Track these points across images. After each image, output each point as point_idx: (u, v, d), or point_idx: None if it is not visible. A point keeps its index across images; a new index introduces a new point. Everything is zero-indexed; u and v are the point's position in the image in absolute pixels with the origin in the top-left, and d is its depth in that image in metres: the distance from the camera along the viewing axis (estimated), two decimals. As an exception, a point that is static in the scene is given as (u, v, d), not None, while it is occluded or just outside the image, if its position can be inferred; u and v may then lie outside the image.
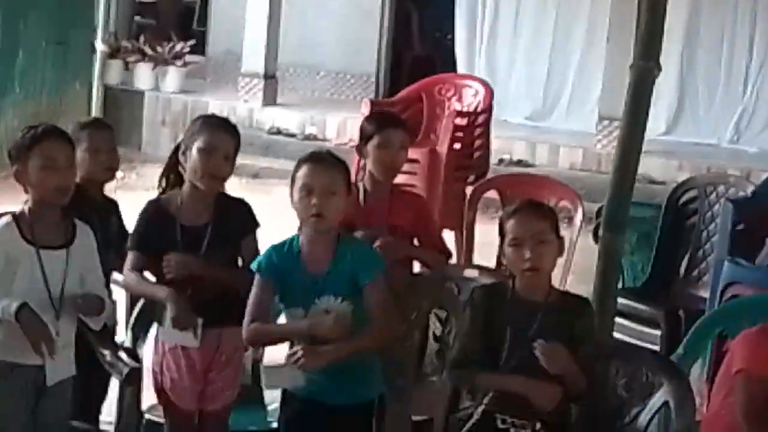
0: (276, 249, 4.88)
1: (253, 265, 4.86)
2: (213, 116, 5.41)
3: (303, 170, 4.80)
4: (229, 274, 5.20)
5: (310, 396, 4.81)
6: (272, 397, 5.68)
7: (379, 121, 6.07)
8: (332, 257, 4.80)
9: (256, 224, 5.33)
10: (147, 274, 5.27)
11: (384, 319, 4.79)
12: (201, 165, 5.15)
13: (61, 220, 4.84)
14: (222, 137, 5.22)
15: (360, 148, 5.92)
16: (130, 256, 5.26)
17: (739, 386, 4.69)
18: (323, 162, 4.85)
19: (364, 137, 5.90)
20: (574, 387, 4.68)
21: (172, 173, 5.33)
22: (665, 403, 4.89)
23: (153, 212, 5.27)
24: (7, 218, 4.79)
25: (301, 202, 4.76)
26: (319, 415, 4.82)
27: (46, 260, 4.75)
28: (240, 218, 5.31)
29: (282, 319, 4.94)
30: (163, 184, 5.37)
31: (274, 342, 4.97)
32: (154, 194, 5.39)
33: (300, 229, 4.86)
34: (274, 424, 5.32)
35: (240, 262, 5.27)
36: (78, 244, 4.84)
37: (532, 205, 4.88)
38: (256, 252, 5.14)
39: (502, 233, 4.76)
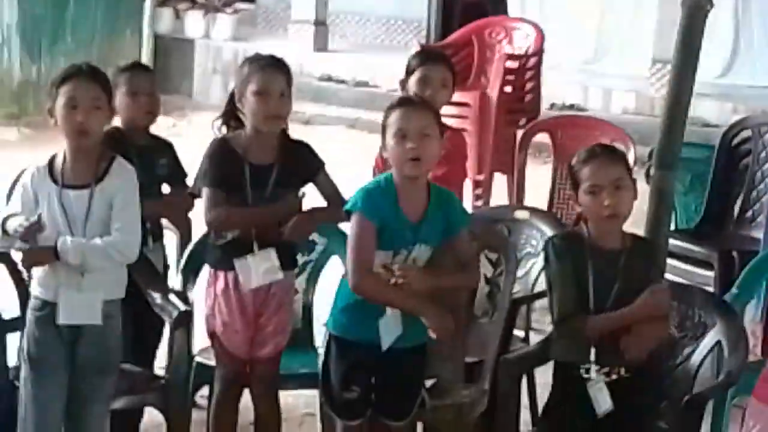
0: (373, 191, 4.81)
1: (351, 206, 4.79)
2: (259, 57, 5.34)
3: (395, 115, 4.77)
4: (326, 213, 5.27)
5: (359, 339, 4.81)
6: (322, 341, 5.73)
7: (422, 56, 6.05)
8: (427, 205, 4.78)
9: (321, 162, 5.30)
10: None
11: (476, 265, 4.87)
12: (259, 108, 5.13)
13: (96, 161, 4.82)
14: (274, 76, 5.18)
15: (403, 83, 5.90)
16: (209, 194, 5.18)
17: None
18: (415, 106, 4.83)
19: (408, 72, 5.89)
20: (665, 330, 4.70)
21: (231, 119, 5.30)
22: (717, 343, 4.89)
23: (221, 150, 5.22)
24: (44, 161, 4.83)
25: (396, 147, 4.73)
26: (368, 358, 4.82)
27: (67, 199, 4.76)
28: (304, 159, 5.29)
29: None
30: (224, 131, 5.33)
31: (385, 300, 4.78)
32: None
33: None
34: (324, 366, 5.38)
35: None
36: (107, 183, 4.80)
37: (607, 149, 4.83)
38: (335, 187, 5.20)
39: (575, 181, 4.70)
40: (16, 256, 4.88)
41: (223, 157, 5.20)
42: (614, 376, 4.61)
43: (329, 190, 5.26)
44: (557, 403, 4.79)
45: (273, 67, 5.22)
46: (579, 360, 4.63)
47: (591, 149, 4.77)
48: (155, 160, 5.70)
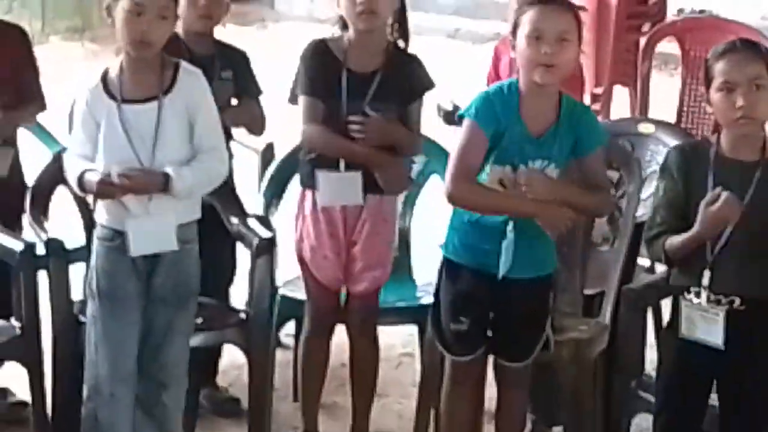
0: (495, 96, 4.76)
1: (467, 112, 4.72)
2: None
3: (531, 14, 4.68)
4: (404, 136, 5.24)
5: (473, 264, 4.78)
6: (422, 271, 5.72)
7: None
8: (555, 120, 4.72)
9: (430, 84, 5.27)
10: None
11: (609, 191, 4.86)
12: (348, 4, 5.12)
13: (160, 70, 4.78)
14: None
15: None
16: (306, 103, 5.22)
17: None
18: (554, 5, 4.71)
19: None
20: None
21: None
22: None
23: (317, 52, 5.25)
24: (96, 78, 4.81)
25: (529, 49, 4.64)
26: (483, 287, 4.79)
27: (129, 115, 4.73)
28: (413, 73, 5.26)
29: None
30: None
31: (486, 209, 4.76)
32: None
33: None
34: (423, 300, 5.40)
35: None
36: (176, 94, 4.75)
37: (747, 44, 4.64)
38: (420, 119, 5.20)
39: (708, 77, 4.56)
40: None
41: (318, 61, 5.21)
42: (726, 307, 4.51)
43: (415, 121, 5.25)
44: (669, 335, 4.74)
45: None
46: (691, 285, 4.57)
47: (731, 42, 4.62)
48: (218, 73, 5.63)
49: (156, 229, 4.73)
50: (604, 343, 5.14)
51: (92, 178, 4.64)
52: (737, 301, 4.51)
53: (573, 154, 4.73)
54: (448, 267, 4.87)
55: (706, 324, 4.53)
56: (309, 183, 5.26)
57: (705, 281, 4.51)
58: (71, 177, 4.75)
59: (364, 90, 5.17)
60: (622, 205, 5.59)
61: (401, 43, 5.31)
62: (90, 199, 5.04)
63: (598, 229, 5.77)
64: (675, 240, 4.53)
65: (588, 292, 5.42)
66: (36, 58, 5.86)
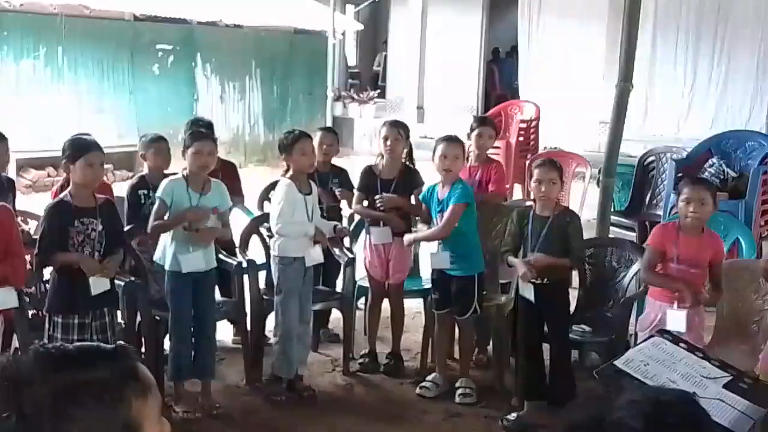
0: (428, 188, 4.81)
1: (420, 197, 4.89)
2: (391, 120, 5.27)
3: (441, 145, 4.69)
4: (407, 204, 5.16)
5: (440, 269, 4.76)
6: (424, 272, 5.68)
7: (478, 120, 5.86)
8: (448, 192, 4.70)
9: (423, 181, 5.15)
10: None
11: (444, 225, 4.67)
12: (385, 148, 5.08)
13: (306, 181, 4.76)
14: (392, 130, 5.08)
15: (468, 135, 5.64)
16: (355, 194, 5.23)
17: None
18: (452, 140, 4.72)
19: (471, 130, 5.68)
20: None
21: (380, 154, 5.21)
22: (637, 271, 4.74)
23: (366, 170, 5.22)
24: (287, 181, 4.68)
25: (439, 162, 4.67)
26: (444, 278, 4.74)
27: (306, 201, 4.72)
28: (415, 178, 5.19)
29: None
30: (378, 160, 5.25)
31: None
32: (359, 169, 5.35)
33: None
34: (426, 286, 5.30)
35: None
36: (314, 193, 4.77)
37: (551, 160, 4.60)
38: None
39: (531, 175, 4.51)
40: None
41: (365, 174, 5.18)
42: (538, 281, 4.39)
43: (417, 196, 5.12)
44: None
45: (394, 126, 5.13)
46: None
47: (543, 159, 4.57)
48: (331, 178, 5.53)
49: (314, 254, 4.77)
50: (510, 306, 4.99)
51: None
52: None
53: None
54: (433, 271, 4.87)
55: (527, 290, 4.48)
56: (367, 232, 5.24)
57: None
58: None
59: (389, 187, 5.12)
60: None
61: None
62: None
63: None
64: (510, 260, 4.52)
65: (503, 281, 5.31)
66: (239, 177, 5.75)
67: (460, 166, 4.74)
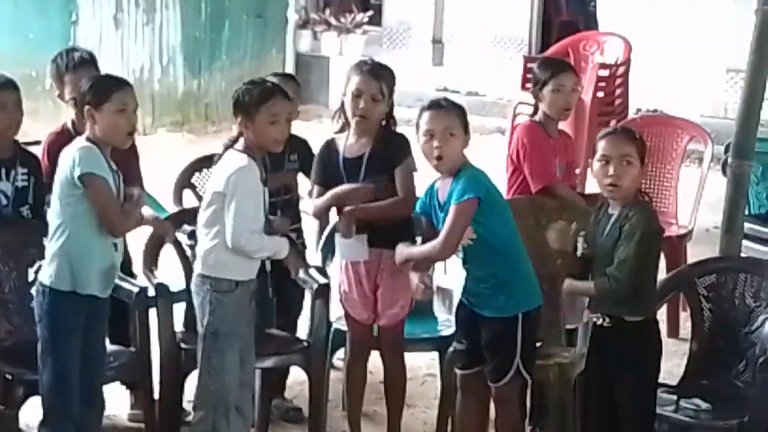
0: (426, 190, 4.88)
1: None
2: (365, 62, 5.32)
3: (424, 117, 4.75)
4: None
5: (466, 304, 4.84)
6: (441, 310, 5.70)
7: (551, 67, 5.82)
8: (449, 188, 4.72)
9: (407, 153, 5.17)
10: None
11: (443, 238, 4.71)
12: (351, 106, 5.13)
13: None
14: (369, 82, 5.13)
15: (535, 93, 5.69)
16: (315, 190, 5.30)
17: None
18: (441, 108, 4.77)
19: (539, 83, 5.68)
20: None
21: (342, 113, 5.27)
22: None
23: (325, 149, 5.30)
24: (244, 160, 4.77)
25: (425, 145, 4.73)
26: (473, 320, 4.82)
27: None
28: (394, 147, 5.20)
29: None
30: (338, 123, 5.32)
31: None
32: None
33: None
34: (443, 332, 5.36)
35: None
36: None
37: (626, 129, 4.71)
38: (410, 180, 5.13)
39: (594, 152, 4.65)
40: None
41: (324, 156, 5.28)
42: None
43: (401, 182, 5.15)
44: None
45: (372, 76, 5.17)
46: None
47: (614, 127, 4.79)
48: (287, 155, 5.59)
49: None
50: (581, 366, 5.05)
51: None
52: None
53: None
54: (458, 303, 4.93)
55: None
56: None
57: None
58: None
59: (358, 169, 5.19)
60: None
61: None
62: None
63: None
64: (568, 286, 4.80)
65: (570, 326, 5.35)
66: (138, 152, 5.81)
67: (457, 147, 4.73)
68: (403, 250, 4.86)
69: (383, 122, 5.23)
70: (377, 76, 5.15)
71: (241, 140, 4.79)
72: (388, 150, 5.17)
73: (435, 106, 4.77)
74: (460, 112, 4.80)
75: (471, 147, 4.83)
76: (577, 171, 9.07)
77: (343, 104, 5.23)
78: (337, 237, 5.24)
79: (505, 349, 4.77)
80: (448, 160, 4.68)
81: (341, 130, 5.28)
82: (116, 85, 4.75)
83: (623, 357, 4.62)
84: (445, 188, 4.71)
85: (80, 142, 4.66)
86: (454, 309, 5.05)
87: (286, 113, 4.80)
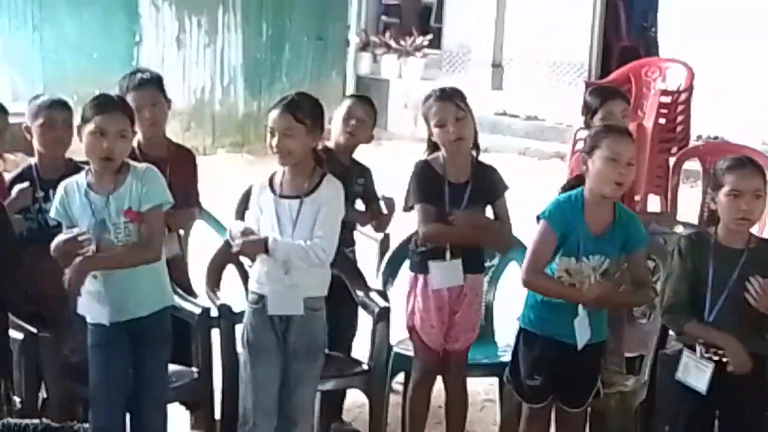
0: (564, 203, 4.73)
1: (542, 213, 4.73)
2: (438, 90, 5.29)
3: (607, 141, 4.64)
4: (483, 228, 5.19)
5: (551, 336, 4.74)
6: (502, 335, 5.68)
7: (602, 94, 5.84)
8: (612, 221, 4.69)
9: (506, 186, 5.24)
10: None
11: (649, 285, 4.78)
12: (441, 135, 5.10)
13: (309, 176, 4.79)
14: (448, 108, 5.10)
15: (587, 122, 5.70)
16: (421, 209, 5.16)
17: None
18: (626, 136, 4.73)
19: (590, 110, 5.71)
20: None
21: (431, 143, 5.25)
22: None
23: (424, 170, 5.20)
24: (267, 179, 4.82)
25: (605, 169, 4.60)
26: (553, 351, 4.76)
27: (280, 207, 4.75)
28: (493, 180, 5.23)
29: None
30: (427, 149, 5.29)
31: (551, 295, 4.74)
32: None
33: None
34: (503, 358, 5.33)
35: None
36: (315, 196, 4.76)
37: (752, 161, 4.60)
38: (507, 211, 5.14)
39: (717, 183, 4.52)
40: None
41: (426, 176, 5.18)
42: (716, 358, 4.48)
43: (504, 214, 5.19)
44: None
45: (450, 101, 5.14)
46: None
47: (738, 158, 4.60)
48: (354, 180, 5.62)
49: (288, 296, 4.74)
50: (643, 395, 5.06)
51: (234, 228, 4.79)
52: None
53: (623, 250, 4.68)
54: (525, 335, 4.84)
55: (697, 372, 4.51)
56: (419, 269, 5.23)
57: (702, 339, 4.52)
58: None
59: (461, 196, 5.15)
60: (657, 287, 5.53)
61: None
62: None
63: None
64: (695, 329, 4.53)
65: (631, 354, 5.34)
66: (197, 172, 5.85)
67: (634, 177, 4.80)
68: (602, 294, 4.63)
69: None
70: (451, 98, 5.15)
71: None
72: (487, 181, 5.21)
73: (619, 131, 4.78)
74: (631, 139, 4.79)
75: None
76: (637, 198, 9.12)
77: (430, 138, 5.21)
78: (436, 265, 5.18)
79: (590, 375, 4.81)
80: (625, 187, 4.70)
81: (431, 152, 5.26)
82: (100, 107, 4.65)
83: (751, 398, 4.51)
84: (602, 220, 4.69)
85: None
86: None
87: (281, 128, 4.68)
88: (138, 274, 4.60)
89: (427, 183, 5.16)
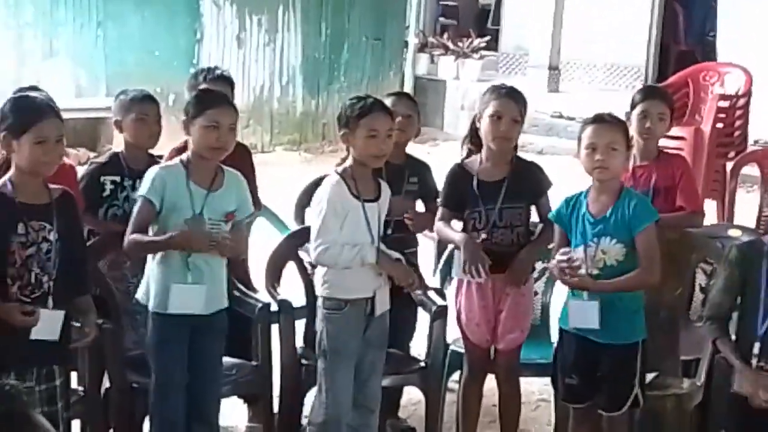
0: (569, 198, 4.85)
1: (551, 216, 4.86)
2: (501, 86, 5.32)
3: (587, 131, 4.74)
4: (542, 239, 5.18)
5: (580, 334, 4.77)
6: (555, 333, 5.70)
7: (645, 92, 5.87)
8: (613, 204, 4.71)
9: (549, 183, 5.25)
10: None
11: (649, 265, 4.69)
12: (491, 129, 5.10)
13: (372, 178, 4.88)
14: (509, 104, 5.13)
15: (627, 115, 5.67)
16: (440, 211, 5.27)
17: None
18: (605, 122, 4.77)
19: (631, 106, 5.72)
20: None
21: (473, 140, 5.27)
22: None
23: (455, 173, 5.26)
24: (334, 176, 4.83)
25: (586, 158, 4.70)
26: (589, 350, 4.77)
27: (368, 211, 4.79)
28: (535, 176, 5.24)
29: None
30: (465, 149, 5.32)
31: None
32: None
33: None
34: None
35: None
36: (382, 200, 4.87)
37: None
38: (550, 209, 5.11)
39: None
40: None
41: (455, 179, 5.24)
42: None
43: (548, 212, 5.15)
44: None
45: (509, 96, 5.17)
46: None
47: None
48: (407, 178, 5.59)
49: (385, 295, 4.85)
50: (699, 398, 5.05)
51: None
52: None
53: (629, 229, 4.69)
54: (561, 334, 4.90)
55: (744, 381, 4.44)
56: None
57: (755, 350, 4.41)
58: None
59: (496, 194, 5.15)
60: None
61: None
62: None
63: (695, 309, 5.71)
64: (723, 347, 4.51)
65: (686, 357, 5.32)
66: (255, 168, 5.89)
67: (620, 161, 4.77)
68: (601, 284, 4.73)
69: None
70: (515, 99, 5.18)
71: (348, 159, 4.84)
72: (529, 178, 5.21)
73: (599, 120, 4.80)
74: (623, 128, 4.83)
75: (585, 174, 4.87)
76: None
77: (473, 129, 5.24)
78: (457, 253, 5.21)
79: (624, 378, 4.77)
80: (609, 173, 4.71)
81: (468, 156, 5.29)
82: (212, 100, 4.75)
83: None
84: (603, 203, 4.75)
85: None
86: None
87: (385, 129, 4.77)
88: (217, 272, 4.70)
89: (455, 186, 5.23)
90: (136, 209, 4.64)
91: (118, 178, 5.34)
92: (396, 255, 4.89)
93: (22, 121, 4.11)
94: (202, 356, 4.70)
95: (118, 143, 5.56)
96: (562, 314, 4.92)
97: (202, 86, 5.51)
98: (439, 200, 5.36)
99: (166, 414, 4.66)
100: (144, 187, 4.63)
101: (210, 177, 4.66)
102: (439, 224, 5.26)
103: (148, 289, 4.68)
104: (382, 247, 4.83)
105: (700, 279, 5.76)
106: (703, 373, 5.08)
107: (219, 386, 4.85)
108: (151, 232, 4.63)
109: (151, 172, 4.67)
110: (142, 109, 5.34)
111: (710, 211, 9.04)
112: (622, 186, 4.82)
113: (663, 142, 5.83)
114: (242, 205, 4.75)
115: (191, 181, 4.62)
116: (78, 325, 4.27)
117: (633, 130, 5.56)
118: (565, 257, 4.69)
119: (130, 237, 4.59)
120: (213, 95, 4.86)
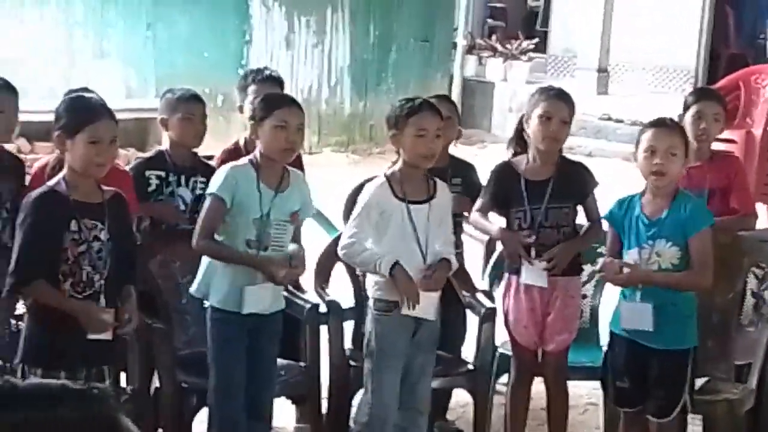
0: (623, 200, 4.87)
1: (605, 216, 4.85)
2: (551, 87, 5.32)
3: (647, 134, 4.74)
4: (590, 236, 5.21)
5: (632, 338, 4.75)
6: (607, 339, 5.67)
7: (698, 93, 5.90)
8: (668, 207, 4.70)
9: (596, 182, 5.25)
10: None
11: (702, 268, 4.68)
12: (540, 129, 5.09)
13: (423, 179, 4.86)
14: (558, 105, 5.14)
15: (680, 117, 5.63)
16: (479, 203, 5.29)
17: None
18: (666, 126, 4.77)
19: (685, 107, 5.69)
20: None
21: (519, 140, 5.29)
22: None
23: (502, 170, 5.28)
24: (381, 178, 4.84)
25: (644, 161, 4.70)
26: (639, 354, 4.75)
27: (414, 214, 4.78)
28: (581, 176, 5.24)
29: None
30: (511, 150, 5.33)
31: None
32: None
33: None
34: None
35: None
36: (437, 200, 4.84)
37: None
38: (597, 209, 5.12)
39: None
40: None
41: (501, 176, 5.25)
42: None
43: (595, 212, 5.19)
44: None
45: (558, 98, 5.19)
46: None
47: None
48: (449, 180, 5.51)
49: (432, 302, 4.82)
50: (751, 403, 5.01)
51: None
52: None
53: (684, 232, 4.68)
54: (612, 337, 4.90)
55: None
56: (512, 270, 5.25)
57: None
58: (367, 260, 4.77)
59: (542, 194, 5.16)
60: (765, 296, 5.48)
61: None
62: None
63: (746, 314, 5.66)
64: None
65: (738, 362, 5.28)
66: (304, 169, 5.88)
67: (679, 167, 4.76)
68: (653, 275, 4.75)
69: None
70: (565, 100, 5.21)
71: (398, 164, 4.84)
72: (576, 178, 5.22)
73: (660, 124, 4.82)
74: (682, 133, 4.84)
75: (634, 177, 4.87)
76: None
77: (519, 130, 5.25)
78: (523, 266, 5.20)
79: (674, 385, 4.75)
80: (667, 178, 4.71)
81: (515, 155, 5.30)
82: (280, 101, 4.80)
83: None
84: (658, 206, 4.76)
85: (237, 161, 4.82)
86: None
87: (434, 128, 4.77)
88: None
89: (501, 183, 5.25)
90: (205, 207, 4.67)
91: (163, 173, 5.38)
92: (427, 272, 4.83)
93: (76, 120, 4.16)
94: (260, 356, 4.73)
95: (166, 144, 5.58)
96: (613, 318, 4.91)
97: (252, 87, 5.54)
98: (481, 194, 5.36)
99: (228, 413, 4.68)
100: (215, 184, 4.66)
101: (278, 178, 4.71)
102: (476, 215, 5.29)
103: (208, 285, 4.68)
104: (430, 250, 4.79)
105: (752, 283, 5.69)
106: (755, 377, 5.05)
107: (274, 386, 4.89)
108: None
109: (223, 171, 4.71)
110: (189, 108, 5.37)
111: (761, 214, 9.00)
112: (678, 188, 4.81)
113: (714, 145, 5.77)
114: (305, 205, 4.82)
115: (261, 182, 4.66)
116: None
117: (687, 132, 5.55)
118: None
119: (203, 242, 4.62)
120: (280, 96, 4.94)
